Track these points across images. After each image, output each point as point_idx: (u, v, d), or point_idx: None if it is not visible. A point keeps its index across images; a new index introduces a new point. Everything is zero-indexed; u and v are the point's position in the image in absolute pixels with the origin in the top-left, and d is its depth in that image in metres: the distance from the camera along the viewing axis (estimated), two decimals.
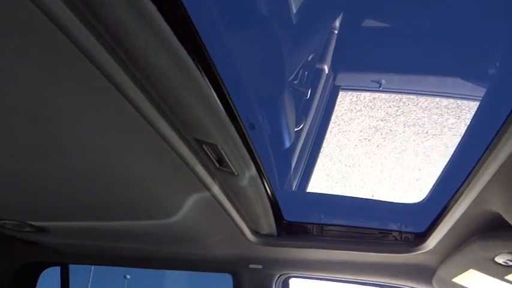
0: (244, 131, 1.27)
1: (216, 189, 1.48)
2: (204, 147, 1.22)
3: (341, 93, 2.67)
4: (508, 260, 1.58)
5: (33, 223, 1.89)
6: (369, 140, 2.61)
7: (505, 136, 1.06)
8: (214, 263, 2.50)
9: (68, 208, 1.64)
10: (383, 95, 2.68)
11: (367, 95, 2.71)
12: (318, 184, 2.62)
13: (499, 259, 1.59)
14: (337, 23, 2.89)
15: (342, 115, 2.61)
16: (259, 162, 1.47)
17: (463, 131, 2.34)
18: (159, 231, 1.84)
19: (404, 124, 2.59)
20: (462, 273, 1.80)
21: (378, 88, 2.66)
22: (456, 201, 1.47)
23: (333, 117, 2.60)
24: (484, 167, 1.21)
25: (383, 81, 2.68)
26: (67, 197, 1.50)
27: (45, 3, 0.67)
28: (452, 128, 2.55)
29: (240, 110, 1.23)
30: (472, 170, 1.31)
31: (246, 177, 1.43)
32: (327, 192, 2.48)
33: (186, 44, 0.88)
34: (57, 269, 2.96)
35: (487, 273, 1.75)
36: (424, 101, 2.65)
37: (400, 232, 2.03)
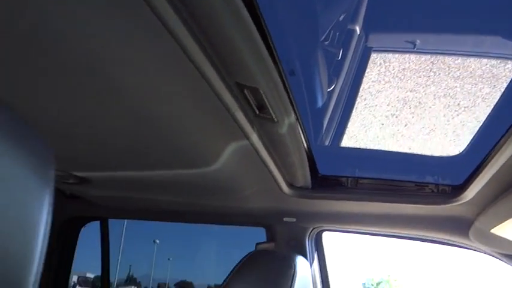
0: (284, 77, 1.27)
1: (254, 137, 1.50)
2: (245, 91, 1.23)
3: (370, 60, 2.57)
4: None
5: (77, 174, 1.97)
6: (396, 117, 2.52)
7: None
8: (249, 216, 2.56)
9: (112, 157, 1.70)
10: (413, 64, 2.57)
11: (396, 65, 2.61)
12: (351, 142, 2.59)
13: None
14: None
15: (368, 87, 2.53)
16: (297, 111, 1.47)
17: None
18: (199, 181, 1.89)
19: (435, 95, 2.49)
20: (500, 223, 1.79)
21: (413, 49, 2.55)
22: (497, 152, 1.44)
23: (360, 89, 2.53)
24: None
25: (417, 42, 2.57)
26: (112, 145, 1.55)
27: None
28: (486, 99, 2.44)
29: (280, 55, 1.22)
30: None
31: (285, 124, 1.43)
32: (362, 147, 2.45)
33: None
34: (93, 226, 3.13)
35: None
36: (457, 70, 2.53)
37: (437, 185, 2.01)
